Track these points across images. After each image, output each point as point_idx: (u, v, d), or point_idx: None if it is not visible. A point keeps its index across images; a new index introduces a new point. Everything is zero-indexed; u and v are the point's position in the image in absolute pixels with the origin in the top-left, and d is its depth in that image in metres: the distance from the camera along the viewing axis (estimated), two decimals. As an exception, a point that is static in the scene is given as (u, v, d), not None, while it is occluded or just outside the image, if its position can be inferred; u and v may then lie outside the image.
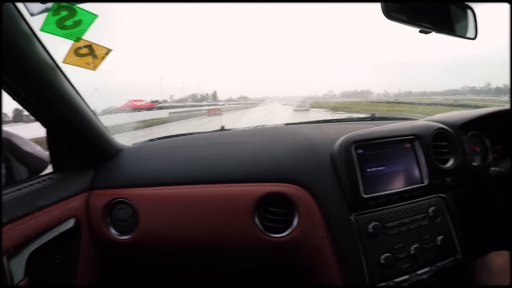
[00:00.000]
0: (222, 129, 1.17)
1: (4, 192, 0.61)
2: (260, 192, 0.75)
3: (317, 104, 7.11)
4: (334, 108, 6.19)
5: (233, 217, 0.75)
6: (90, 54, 0.56)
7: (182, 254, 0.81)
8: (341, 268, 0.70)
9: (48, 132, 0.75)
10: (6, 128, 0.74)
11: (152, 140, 1.05)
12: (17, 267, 0.55)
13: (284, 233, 0.74)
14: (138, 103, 3.75)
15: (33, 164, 0.75)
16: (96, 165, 0.83)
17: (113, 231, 0.78)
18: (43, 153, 0.78)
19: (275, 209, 0.75)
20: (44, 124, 0.70)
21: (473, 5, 0.80)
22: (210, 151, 0.87)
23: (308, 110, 6.39)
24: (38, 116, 0.66)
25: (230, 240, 0.76)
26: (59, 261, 0.70)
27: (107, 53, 0.59)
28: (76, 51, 0.55)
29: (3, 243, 0.53)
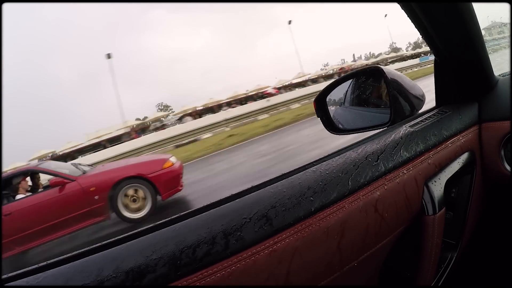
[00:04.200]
0: None
1: (407, 125, 0.67)
2: None
3: None
4: None
5: None
6: None
7: None
8: None
9: (437, 67, 0.78)
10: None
11: None
12: (440, 195, 0.59)
13: None
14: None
15: (414, 101, 0.81)
16: (478, 97, 0.78)
17: (507, 165, 0.70)
18: (421, 91, 0.81)
19: None
20: (437, 53, 0.73)
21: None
22: None
23: None
24: (439, 43, 0.68)
25: None
26: (454, 195, 0.71)
27: None
28: None
29: None
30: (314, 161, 0.52)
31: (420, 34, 0.69)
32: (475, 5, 0.65)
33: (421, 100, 0.81)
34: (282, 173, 0.48)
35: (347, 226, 0.46)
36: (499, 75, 0.87)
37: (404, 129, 0.63)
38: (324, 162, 0.51)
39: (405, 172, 0.55)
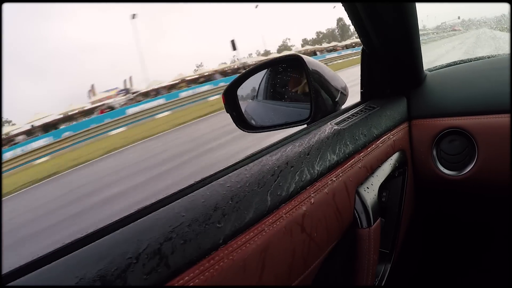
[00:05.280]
0: None
1: (332, 122, 0.57)
2: None
3: None
4: None
5: None
6: None
7: None
8: None
9: (364, 59, 0.71)
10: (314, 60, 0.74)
11: (450, 65, 0.85)
12: (374, 203, 0.49)
13: None
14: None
15: (336, 95, 0.72)
16: (406, 92, 0.72)
17: (440, 166, 0.66)
18: (344, 83, 0.72)
19: None
20: (368, 45, 0.66)
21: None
22: None
23: None
24: (371, 33, 0.61)
25: None
26: (385, 199, 0.63)
27: None
28: None
29: None
30: (221, 170, 0.38)
31: (353, 25, 0.62)
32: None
33: (344, 94, 0.72)
34: (180, 189, 0.34)
35: (269, 254, 0.33)
36: (427, 70, 0.85)
37: (329, 128, 0.51)
38: (234, 172, 0.37)
39: (334, 179, 0.43)
